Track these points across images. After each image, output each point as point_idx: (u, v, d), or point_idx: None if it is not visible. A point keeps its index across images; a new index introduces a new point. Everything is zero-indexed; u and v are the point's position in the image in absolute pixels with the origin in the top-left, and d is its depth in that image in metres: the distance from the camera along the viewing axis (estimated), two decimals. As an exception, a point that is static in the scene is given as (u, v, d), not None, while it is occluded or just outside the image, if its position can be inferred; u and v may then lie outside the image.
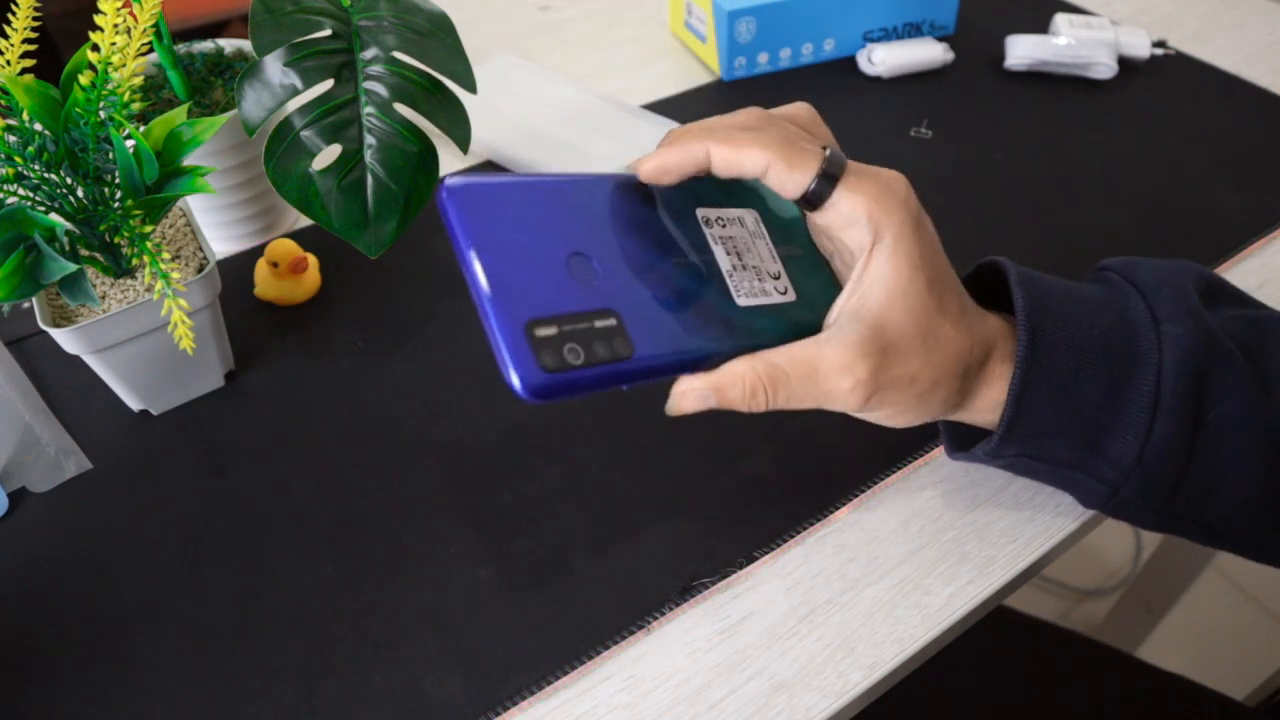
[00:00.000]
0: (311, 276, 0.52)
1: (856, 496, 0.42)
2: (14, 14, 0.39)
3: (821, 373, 0.33)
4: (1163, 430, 0.35)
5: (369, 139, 0.44)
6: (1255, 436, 0.35)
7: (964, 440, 0.40)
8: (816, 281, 0.37)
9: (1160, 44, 0.72)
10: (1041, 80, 0.70)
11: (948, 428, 0.41)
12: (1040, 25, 0.75)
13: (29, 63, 0.40)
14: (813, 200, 0.33)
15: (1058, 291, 0.37)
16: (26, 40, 0.39)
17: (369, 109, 0.44)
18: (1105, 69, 0.68)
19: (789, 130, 0.34)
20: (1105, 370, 0.36)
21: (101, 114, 0.39)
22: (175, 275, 0.39)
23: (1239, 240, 0.55)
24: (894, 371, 0.33)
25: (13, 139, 0.38)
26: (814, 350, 0.33)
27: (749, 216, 0.37)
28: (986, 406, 0.37)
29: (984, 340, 0.36)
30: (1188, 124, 0.65)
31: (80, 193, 0.40)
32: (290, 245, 0.51)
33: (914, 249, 0.33)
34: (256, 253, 0.55)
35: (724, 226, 0.36)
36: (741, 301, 0.34)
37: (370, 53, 0.44)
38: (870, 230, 0.33)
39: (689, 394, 0.32)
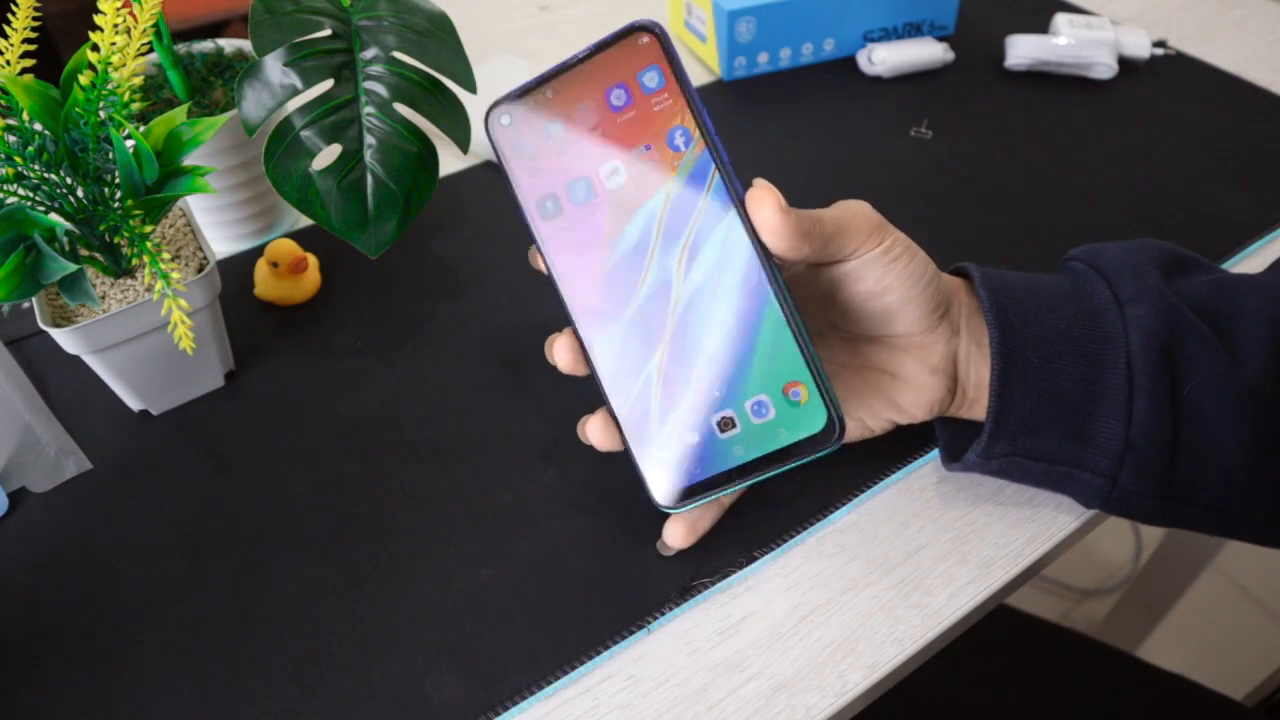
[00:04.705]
0: (311, 276, 0.52)
1: (856, 496, 0.42)
2: (14, 14, 0.39)
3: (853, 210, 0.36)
4: (1143, 409, 0.36)
5: (369, 139, 0.44)
6: (1232, 405, 0.36)
7: (958, 453, 0.41)
8: None
9: (1160, 44, 0.72)
10: (1041, 80, 0.70)
11: (944, 436, 0.42)
12: (1040, 25, 0.75)
13: (29, 63, 0.40)
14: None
15: (1022, 289, 0.38)
16: (26, 40, 0.39)
17: (369, 109, 0.44)
18: (1105, 69, 0.68)
19: None
20: (1076, 360, 0.37)
21: (101, 114, 0.39)
22: (175, 275, 0.39)
23: (1239, 240, 0.55)
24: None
25: (13, 139, 0.38)
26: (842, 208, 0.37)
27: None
28: (972, 400, 0.39)
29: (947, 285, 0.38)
30: (1188, 124, 0.65)
31: (80, 193, 0.40)
32: (290, 245, 0.51)
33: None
34: (256, 253, 0.55)
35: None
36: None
37: (370, 53, 0.44)
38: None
39: (763, 197, 0.34)
